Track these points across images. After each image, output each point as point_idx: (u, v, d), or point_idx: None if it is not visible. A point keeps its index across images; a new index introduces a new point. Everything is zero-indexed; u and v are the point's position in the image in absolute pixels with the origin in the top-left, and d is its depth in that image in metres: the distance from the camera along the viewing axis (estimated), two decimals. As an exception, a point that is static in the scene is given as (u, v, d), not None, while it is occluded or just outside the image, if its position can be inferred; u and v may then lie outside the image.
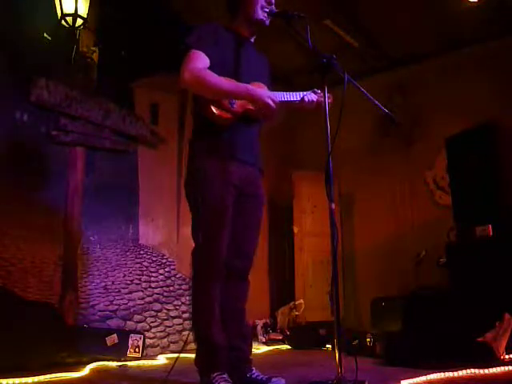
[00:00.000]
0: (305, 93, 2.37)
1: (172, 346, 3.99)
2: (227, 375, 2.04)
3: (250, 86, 2.16)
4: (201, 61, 2.12)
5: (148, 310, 3.93)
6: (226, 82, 2.13)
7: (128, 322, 3.75)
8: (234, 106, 2.17)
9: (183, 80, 2.10)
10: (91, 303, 3.58)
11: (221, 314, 2.16)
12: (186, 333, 4.07)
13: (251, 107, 2.20)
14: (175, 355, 2.89)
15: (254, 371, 2.21)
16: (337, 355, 1.90)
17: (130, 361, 3.29)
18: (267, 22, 2.32)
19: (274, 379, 2.15)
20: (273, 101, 2.14)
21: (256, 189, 2.32)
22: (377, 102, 2.25)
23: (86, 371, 2.84)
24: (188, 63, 2.11)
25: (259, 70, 2.38)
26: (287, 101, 2.32)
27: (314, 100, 2.37)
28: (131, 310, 3.81)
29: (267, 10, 2.28)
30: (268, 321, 4.93)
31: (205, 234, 2.12)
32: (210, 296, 2.12)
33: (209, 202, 2.12)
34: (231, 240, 2.19)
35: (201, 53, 2.13)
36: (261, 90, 2.18)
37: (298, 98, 2.34)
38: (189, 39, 2.18)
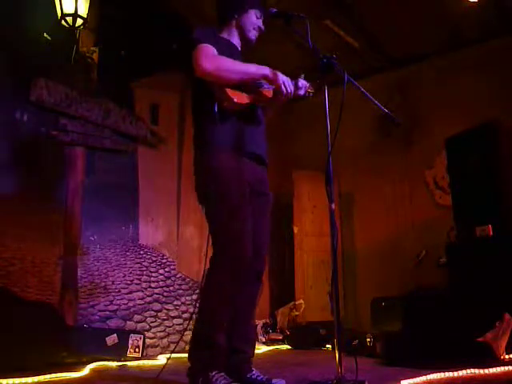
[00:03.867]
0: (295, 79, 2.36)
1: (172, 346, 3.98)
2: (225, 374, 2.03)
3: (265, 67, 2.19)
4: (213, 51, 2.16)
5: (148, 310, 3.93)
6: (243, 64, 2.20)
7: (128, 322, 3.75)
8: (266, 87, 2.20)
9: (204, 69, 2.10)
10: (91, 303, 3.58)
11: (232, 315, 2.15)
12: (186, 333, 4.07)
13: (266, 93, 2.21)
14: (176, 355, 2.91)
15: (254, 372, 2.19)
16: (337, 355, 1.90)
17: (130, 361, 3.29)
18: (254, 42, 2.42)
19: (274, 380, 2.14)
20: (288, 83, 2.18)
21: (265, 187, 2.32)
22: (377, 102, 2.25)
23: (86, 371, 2.83)
24: (202, 53, 2.12)
25: None
26: None
27: (307, 86, 2.38)
28: (131, 310, 3.81)
29: (256, 33, 2.39)
30: (268, 321, 4.93)
31: (230, 236, 2.09)
32: (228, 298, 2.10)
33: (231, 202, 2.10)
34: None
35: (210, 46, 2.16)
36: (276, 71, 2.20)
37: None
38: (195, 35, 2.20)
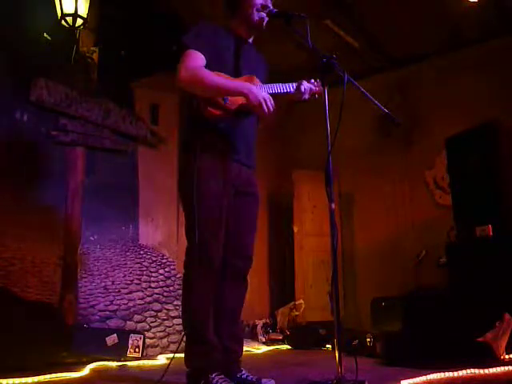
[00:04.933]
0: (297, 82, 2.31)
1: (172, 346, 3.98)
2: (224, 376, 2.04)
3: (246, 84, 2.14)
4: (197, 60, 2.11)
5: (148, 310, 3.93)
6: (221, 80, 2.12)
7: (128, 322, 3.75)
8: (227, 101, 2.14)
9: (179, 79, 2.08)
10: (91, 303, 3.58)
11: (217, 313, 2.15)
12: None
13: (245, 102, 2.15)
14: (177, 355, 2.90)
15: (243, 371, 2.19)
16: (337, 355, 1.90)
17: (130, 361, 3.29)
18: (263, 24, 2.29)
19: (263, 380, 2.14)
20: (267, 103, 2.10)
21: (252, 187, 2.31)
22: (377, 102, 2.25)
23: (86, 371, 2.83)
24: (184, 62, 2.10)
25: (258, 71, 2.34)
26: (282, 93, 2.27)
27: (313, 88, 2.34)
28: (131, 310, 3.81)
29: (263, 14, 2.25)
30: (268, 321, 4.93)
31: (201, 234, 2.09)
32: (206, 296, 2.10)
33: (205, 202, 2.10)
34: (230, 240, 2.18)
35: (197, 52, 2.12)
36: (257, 90, 2.14)
37: (293, 89, 2.29)
38: (185, 38, 2.16)
